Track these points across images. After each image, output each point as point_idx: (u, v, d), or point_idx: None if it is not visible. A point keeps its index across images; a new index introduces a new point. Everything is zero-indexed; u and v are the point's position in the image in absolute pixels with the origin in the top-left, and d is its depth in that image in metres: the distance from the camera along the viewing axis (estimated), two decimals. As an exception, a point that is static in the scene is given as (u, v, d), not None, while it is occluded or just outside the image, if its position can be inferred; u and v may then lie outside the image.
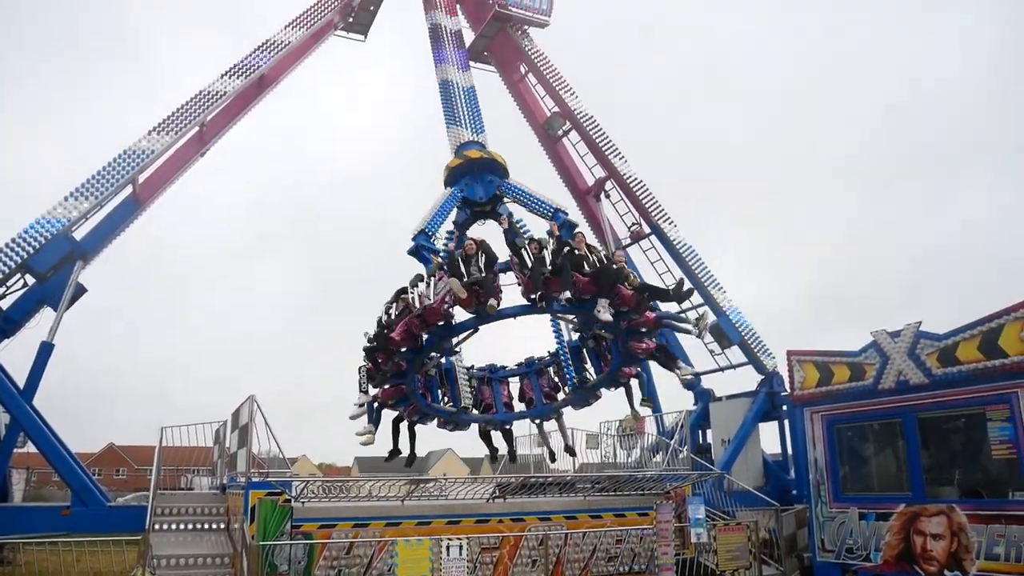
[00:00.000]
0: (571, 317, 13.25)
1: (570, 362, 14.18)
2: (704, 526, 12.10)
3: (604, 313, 11.54)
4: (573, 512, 13.21)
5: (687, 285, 12.58)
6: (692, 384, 20.71)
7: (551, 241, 12.31)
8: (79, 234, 17.12)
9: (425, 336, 12.22)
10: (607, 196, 22.88)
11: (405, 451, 14.23)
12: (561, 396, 14.33)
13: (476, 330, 12.54)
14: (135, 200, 18.28)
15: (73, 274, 16.58)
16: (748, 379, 20.23)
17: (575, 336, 14.42)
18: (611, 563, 12.74)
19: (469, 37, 24.19)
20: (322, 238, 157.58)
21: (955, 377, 11.44)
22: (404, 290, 12.52)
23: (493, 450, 15.02)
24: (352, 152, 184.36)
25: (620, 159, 22.15)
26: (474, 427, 14.64)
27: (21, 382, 15.60)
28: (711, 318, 12.64)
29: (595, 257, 12.02)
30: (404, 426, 14.09)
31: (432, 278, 12.06)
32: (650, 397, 15.32)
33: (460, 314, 12.11)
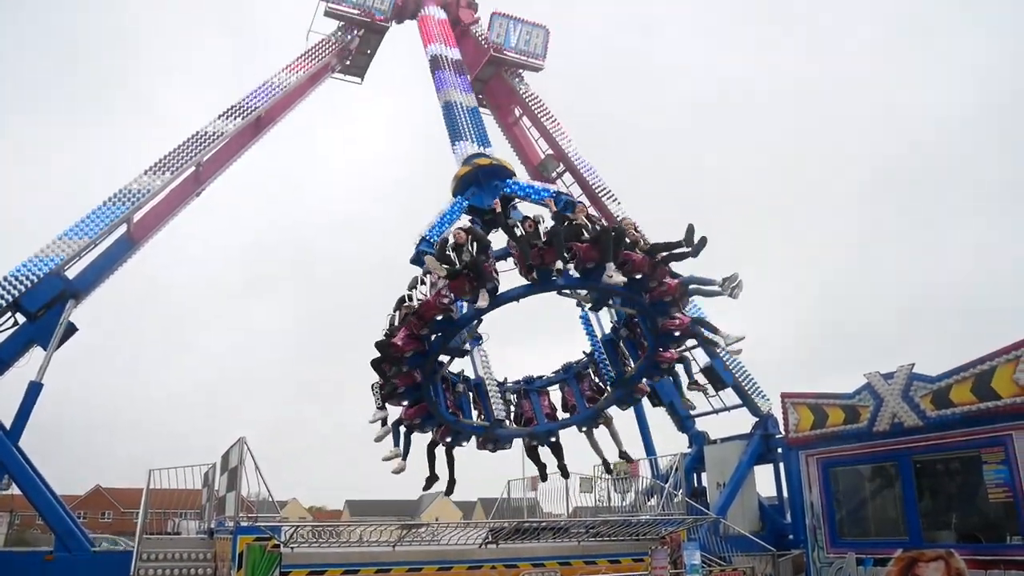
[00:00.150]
0: (583, 294, 12.61)
1: (606, 359, 13.50)
2: (700, 572, 11.91)
3: (615, 276, 10.67)
4: (567, 558, 12.97)
5: (697, 232, 11.50)
6: (688, 425, 20.64)
7: (545, 219, 11.61)
8: (72, 272, 17.08)
9: (431, 337, 11.67)
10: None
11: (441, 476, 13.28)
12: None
13: (480, 321, 12.02)
14: (129, 239, 18.27)
15: (64, 313, 16.47)
16: (742, 421, 20.18)
17: (608, 331, 13.80)
18: (606, 610, 12.51)
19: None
20: (317, 279, 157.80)
21: (949, 419, 11.42)
22: (405, 298, 12.09)
23: (541, 467, 14.05)
24: (349, 193, 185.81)
25: (613, 201, 22.36)
26: (520, 446, 13.84)
27: (8, 421, 15.37)
28: (740, 278, 11.73)
29: (597, 227, 11.30)
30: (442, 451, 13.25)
31: (428, 276, 11.79)
32: (697, 383, 13.91)
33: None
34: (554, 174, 23.83)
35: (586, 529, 13.62)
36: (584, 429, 13.95)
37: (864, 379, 12.81)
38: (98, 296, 18.22)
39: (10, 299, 15.83)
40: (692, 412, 20.41)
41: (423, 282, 11.98)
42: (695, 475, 20.35)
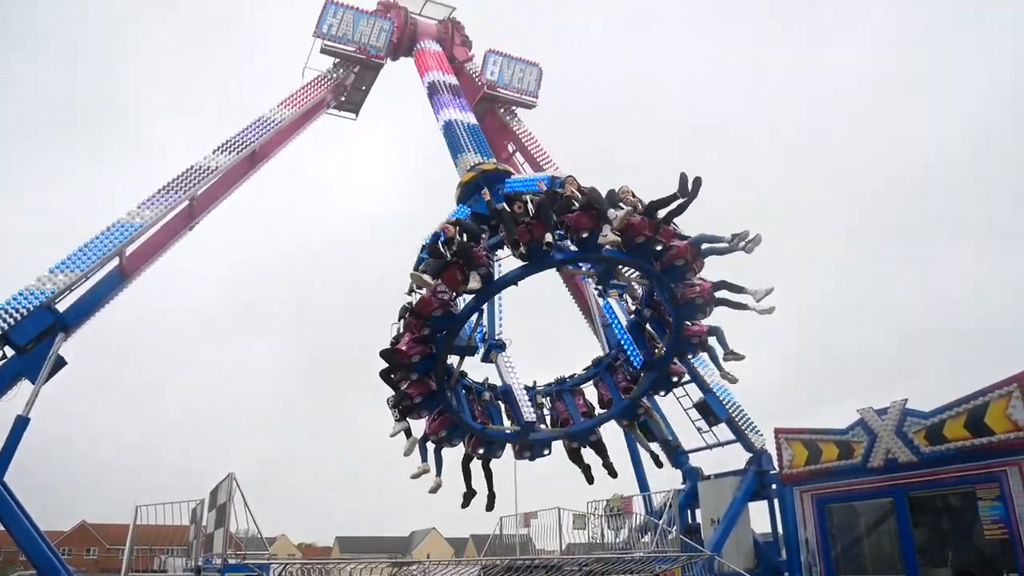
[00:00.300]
0: (584, 268, 12.12)
1: (633, 343, 12.92)
2: (695, 610, 11.76)
3: (609, 235, 10.20)
4: (560, 596, 12.81)
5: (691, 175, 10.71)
6: (682, 461, 20.48)
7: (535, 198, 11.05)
8: (62, 306, 16.98)
9: (435, 336, 11.30)
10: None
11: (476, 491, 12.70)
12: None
13: (481, 312, 11.65)
14: (121, 272, 18.20)
15: (54, 347, 16.32)
16: (736, 457, 20.02)
17: (632, 316, 13.26)
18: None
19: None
20: (310, 314, 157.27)
21: (943, 455, 11.40)
22: (407, 307, 11.67)
23: (586, 468, 13.21)
24: (345, 224, 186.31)
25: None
26: (561, 451, 13.15)
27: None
28: (757, 233, 10.84)
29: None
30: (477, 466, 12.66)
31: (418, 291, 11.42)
32: (734, 353, 12.55)
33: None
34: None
35: (580, 567, 13.45)
36: (625, 423, 13.35)
37: (857, 414, 12.80)
38: (87, 330, 18.12)
39: (-1, 332, 15.72)
40: (685, 449, 20.29)
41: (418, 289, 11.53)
42: (689, 511, 20.13)
